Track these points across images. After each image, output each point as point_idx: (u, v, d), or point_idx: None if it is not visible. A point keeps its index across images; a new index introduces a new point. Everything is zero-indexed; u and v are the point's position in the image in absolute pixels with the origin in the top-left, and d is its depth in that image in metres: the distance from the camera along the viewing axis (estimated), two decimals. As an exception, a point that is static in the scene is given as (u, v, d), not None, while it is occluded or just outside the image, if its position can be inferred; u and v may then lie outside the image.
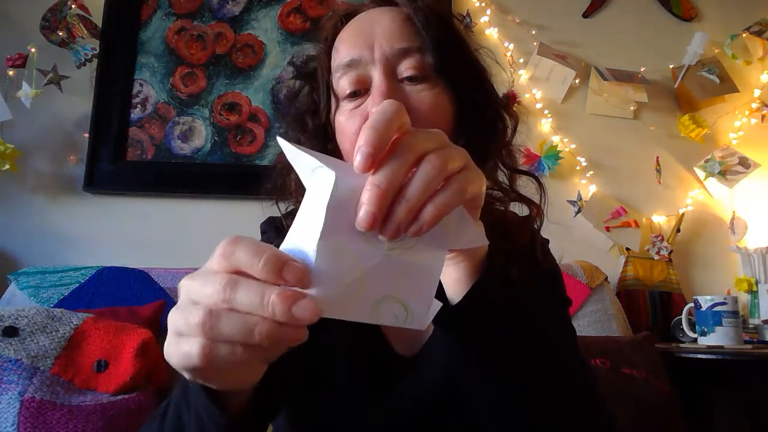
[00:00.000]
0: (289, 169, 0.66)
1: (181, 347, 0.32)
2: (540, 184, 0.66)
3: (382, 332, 0.63)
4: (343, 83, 0.60)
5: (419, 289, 0.35)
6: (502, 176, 0.66)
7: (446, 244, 0.36)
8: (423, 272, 0.35)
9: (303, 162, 0.35)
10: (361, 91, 0.60)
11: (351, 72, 0.60)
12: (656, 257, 1.78)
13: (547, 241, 0.71)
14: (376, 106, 0.55)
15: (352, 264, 0.32)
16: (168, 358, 0.33)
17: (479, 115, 0.63)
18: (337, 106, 0.62)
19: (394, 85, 0.58)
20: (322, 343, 0.61)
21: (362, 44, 0.59)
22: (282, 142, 0.36)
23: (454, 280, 0.44)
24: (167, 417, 0.47)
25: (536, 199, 0.66)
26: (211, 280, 0.31)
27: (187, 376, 0.34)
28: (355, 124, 0.59)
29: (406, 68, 0.59)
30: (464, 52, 0.65)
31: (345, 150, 0.61)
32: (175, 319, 0.33)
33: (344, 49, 0.61)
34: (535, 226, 0.66)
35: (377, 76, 0.58)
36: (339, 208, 0.32)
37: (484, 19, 1.93)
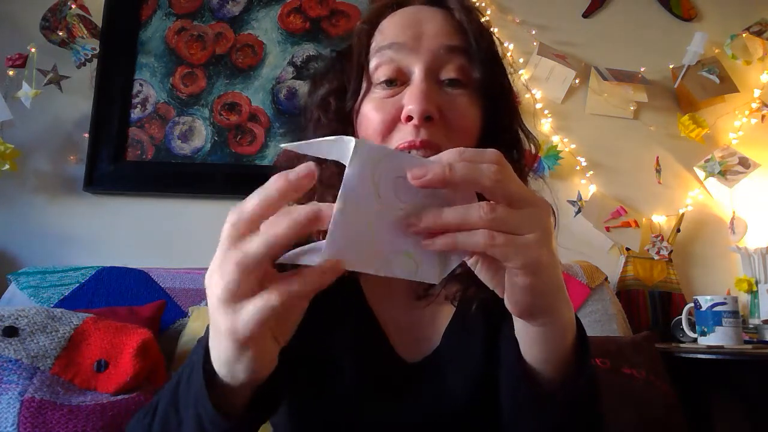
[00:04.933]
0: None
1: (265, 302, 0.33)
2: (553, 212, 0.66)
3: (387, 337, 0.63)
4: (379, 69, 0.58)
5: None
6: None
7: None
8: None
9: (317, 148, 0.37)
10: (396, 81, 0.57)
11: (391, 57, 0.58)
12: (656, 257, 1.78)
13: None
14: (413, 103, 0.54)
15: (368, 221, 0.35)
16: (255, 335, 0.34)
17: (503, 136, 0.62)
18: (368, 90, 0.60)
19: (433, 86, 0.56)
20: (327, 345, 0.61)
21: (410, 34, 0.58)
22: (289, 145, 0.38)
23: (538, 349, 0.46)
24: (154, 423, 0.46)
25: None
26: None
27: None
28: (383, 114, 0.57)
29: (449, 70, 0.57)
30: (503, 72, 0.64)
31: (366, 137, 0.59)
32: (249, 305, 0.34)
33: (390, 32, 0.59)
34: None
35: (417, 73, 0.56)
36: (357, 173, 0.34)
37: (484, 19, 1.92)
